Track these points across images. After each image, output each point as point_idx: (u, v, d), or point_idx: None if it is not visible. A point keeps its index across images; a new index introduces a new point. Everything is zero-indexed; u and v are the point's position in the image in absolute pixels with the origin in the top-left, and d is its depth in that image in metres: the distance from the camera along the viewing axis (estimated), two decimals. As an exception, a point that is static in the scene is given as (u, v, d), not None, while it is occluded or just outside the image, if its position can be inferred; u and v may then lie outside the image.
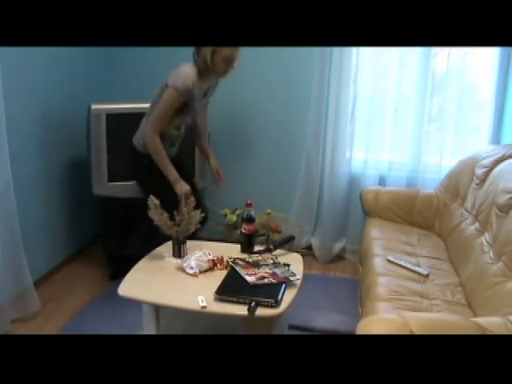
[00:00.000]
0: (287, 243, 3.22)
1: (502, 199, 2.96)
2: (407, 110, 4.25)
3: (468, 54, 4.16)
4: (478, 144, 4.17)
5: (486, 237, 3.03)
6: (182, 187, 3.33)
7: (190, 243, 3.08)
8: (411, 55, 4.20)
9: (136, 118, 3.95)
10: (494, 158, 3.43)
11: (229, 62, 3.20)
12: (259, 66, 4.44)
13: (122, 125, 3.97)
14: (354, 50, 4.18)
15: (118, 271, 3.54)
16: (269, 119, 4.52)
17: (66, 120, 4.16)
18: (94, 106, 3.78)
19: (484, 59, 4.14)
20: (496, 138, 4.16)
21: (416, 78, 4.18)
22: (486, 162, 3.47)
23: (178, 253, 3.03)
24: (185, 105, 3.30)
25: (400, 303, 2.73)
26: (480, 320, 2.29)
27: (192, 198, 3.12)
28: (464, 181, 3.69)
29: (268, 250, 3.09)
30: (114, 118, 3.85)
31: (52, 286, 3.95)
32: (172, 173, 3.34)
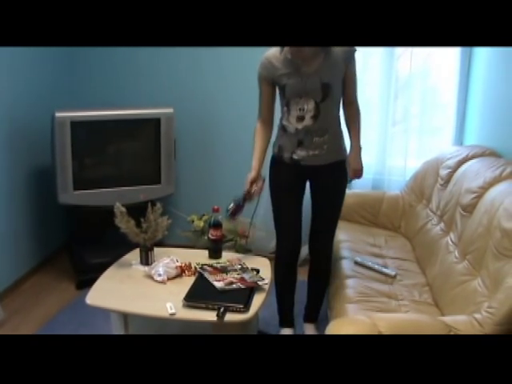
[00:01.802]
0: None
1: (466, 199, 3.00)
2: (371, 112, 4.28)
3: (430, 57, 4.21)
4: (441, 145, 4.22)
5: (451, 237, 3.07)
6: (250, 174, 3.02)
7: (157, 250, 3.07)
8: (374, 57, 4.23)
9: (101, 125, 3.94)
10: (457, 158, 3.48)
11: None
12: (224, 72, 4.44)
13: (87, 132, 3.95)
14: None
15: (85, 280, 3.51)
16: (234, 124, 4.52)
17: (31, 128, 4.10)
18: (58, 114, 3.74)
19: (446, 61, 4.19)
20: (459, 139, 4.21)
21: (379, 81, 4.21)
22: (450, 163, 3.51)
23: (146, 260, 3.02)
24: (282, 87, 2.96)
25: (368, 304, 2.75)
26: (446, 319, 2.32)
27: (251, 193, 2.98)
28: (429, 182, 3.73)
29: (238, 208, 3.02)
30: (78, 126, 3.82)
31: (18, 297, 3.89)
32: (254, 159, 3.05)
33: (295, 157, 3.00)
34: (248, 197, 3.00)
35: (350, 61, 2.93)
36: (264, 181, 3.06)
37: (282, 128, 3.03)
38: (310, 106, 2.91)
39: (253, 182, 3.00)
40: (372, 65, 4.27)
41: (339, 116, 3.07)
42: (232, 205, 3.02)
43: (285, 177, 3.08)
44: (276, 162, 3.11)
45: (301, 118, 2.93)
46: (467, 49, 4.08)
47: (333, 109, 2.99)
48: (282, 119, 3.04)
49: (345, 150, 3.11)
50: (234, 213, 3.03)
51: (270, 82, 2.97)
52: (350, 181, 3.16)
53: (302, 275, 3.95)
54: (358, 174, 3.14)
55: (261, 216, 3.98)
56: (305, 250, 4.21)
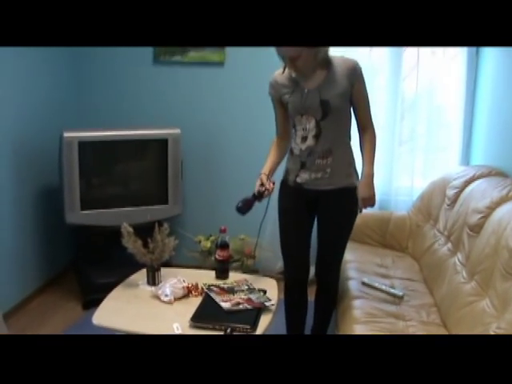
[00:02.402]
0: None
1: (473, 219, 3.00)
2: (378, 132, 4.27)
3: (436, 76, 4.23)
4: (448, 165, 4.22)
5: (459, 257, 3.06)
6: (260, 178, 2.97)
7: (164, 270, 3.06)
8: (380, 78, 4.25)
9: (109, 145, 3.96)
10: (464, 178, 3.48)
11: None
12: (231, 93, 4.46)
13: (95, 152, 3.98)
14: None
15: (92, 300, 3.51)
16: (241, 145, 4.54)
17: (39, 147, 4.13)
18: (66, 134, 3.77)
19: (452, 81, 4.22)
20: (466, 159, 4.22)
21: (386, 101, 4.23)
22: (457, 182, 3.51)
23: (153, 280, 3.01)
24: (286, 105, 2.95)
25: (376, 325, 2.73)
26: (455, 340, 2.31)
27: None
28: (436, 202, 3.73)
29: (247, 203, 2.93)
30: (86, 146, 3.84)
31: (24, 317, 3.89)
32: (264, 166, 3.01)
33: (298, 180, 2.97)
34: (258, 195, 2.92)
35: (354, 79, 2.84)
36: (274, 183, 2.98)
37: (290, 151, 3.01)
38: (311, 124, 2.87)
39: (262, 183, 2.95)
40: (378, 85, 4.29)
41: (347, 139, 2.99)
42: (241, 201, 2.95)
43: (289, 201, 3.05)
44: (283, 185, 3.08)
45: (304, 138, 2.90)
46: (473, 67, 4.11)
47: (336, 129, 2.89)
48: (291, 142, 3.02)
49: (354, 176, 3.00)
50: (244, 208, 2.93)
51: (279, 101, 2.97)
52: (361, 210, 3.02)
53: (308, 295, 3.93)
54: (368, 203, 2.97)
55: (267, 236, 3.99)
56: (313, 270, 4.20)
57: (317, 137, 2.87)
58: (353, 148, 3.03)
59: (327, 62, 2.82)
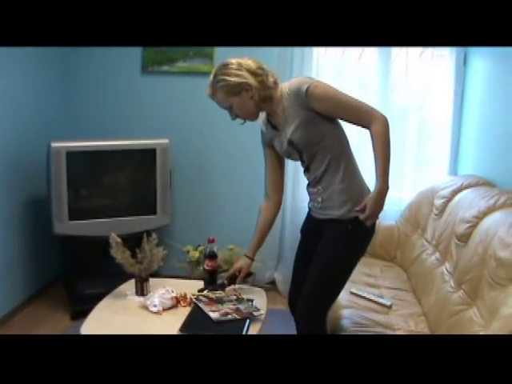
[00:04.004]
0: (247, 278, 3.14)
1: (461, 229, 3.01)
2: (366, 144, 4.29)
3: (425, 89, 4.26)
4: (436, 176, 4.24)
5: (447, 266, 3.07)
6: (240, 261, 3.01)
7: (152, 281, 3.05)
8: (368, 91, 4.28)
9: (97, 155, 3.96)
10: (452, 188, 3.50)
11: None
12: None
13: (83, 162, 3.97)
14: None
15: (80, 311, 3.49)
16: (230, 155, 4.55)
17: (27, 158, 4.12)
18: (53, 144, 3.76)
19: (440, 93, 4.25)
20: (454, 170, 4.25)
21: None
22: (445, 192, 3.53)
23: (141, 291, 3.00)
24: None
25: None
26: (443, 349, 2.31)
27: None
28: (424, 212, 3.75)
29: (221, 286, 3.01)
30: (74, 156, 3.83)
31: (12, 327, 3.86)
32: (251, 242, 3.00)
33: (309, 205, 2.88)
34: (229, 282, 3.00)
35: (308, 103, 2.49)
36: (251, 275, 3.05)
37: None
38: (300, 162, 2.76)
39: (239, 270, 2.98)
40: (367, 98, 4.30)
41: (340, 164, 2.64)
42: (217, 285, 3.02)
43: (305, 222, 2.99)
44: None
45: (305, 170, 2.76)
46: (461, 80, 4.16)
47: (320, 159, 2.63)
48: None
49: (349, 205, 2.58)
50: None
51: (271, 146, 2.84)
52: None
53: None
54: (371, 219, 2.54)
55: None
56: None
57: (307, 169, 2.72)
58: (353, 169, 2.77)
59: (271, 97, 2.60)
